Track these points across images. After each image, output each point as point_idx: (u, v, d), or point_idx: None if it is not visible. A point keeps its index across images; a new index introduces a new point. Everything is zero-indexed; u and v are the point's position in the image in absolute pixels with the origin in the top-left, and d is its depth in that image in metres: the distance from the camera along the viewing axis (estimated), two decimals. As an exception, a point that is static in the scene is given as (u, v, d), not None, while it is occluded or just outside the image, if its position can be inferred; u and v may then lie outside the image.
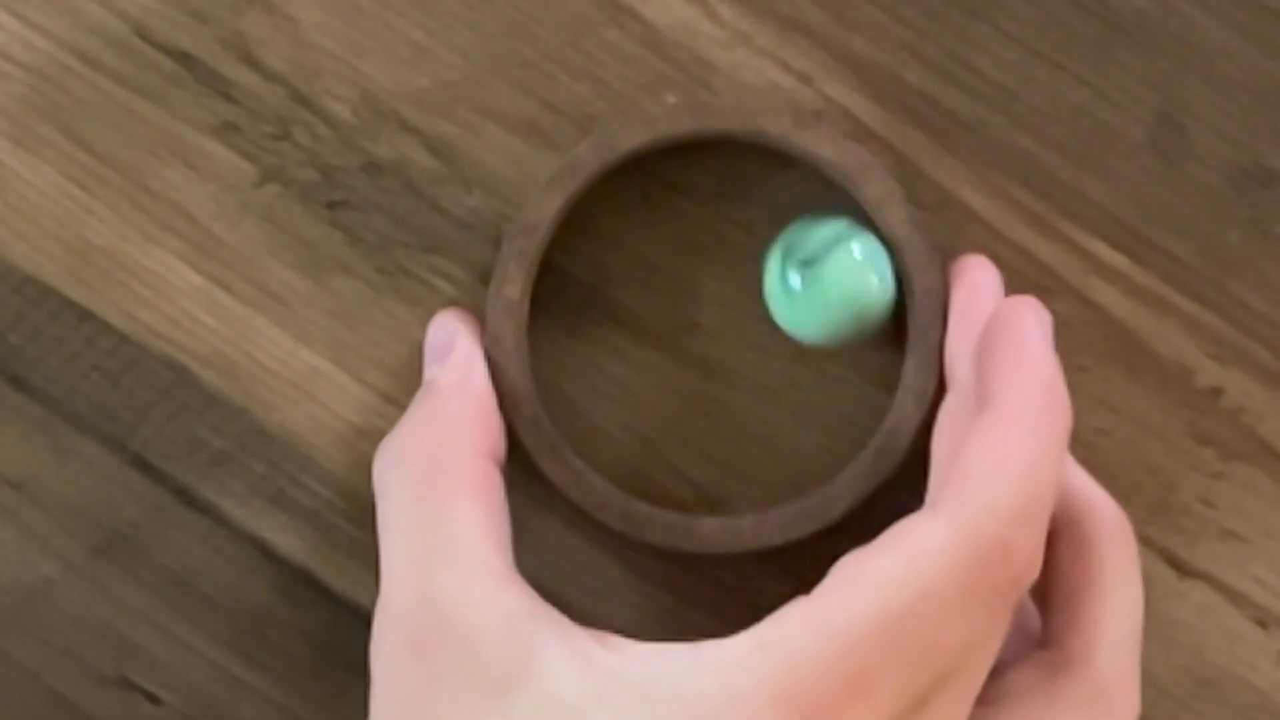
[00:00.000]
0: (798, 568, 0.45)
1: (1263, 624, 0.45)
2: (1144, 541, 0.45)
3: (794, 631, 0.37)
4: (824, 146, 0.43)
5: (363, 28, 0.45)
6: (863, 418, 0.45)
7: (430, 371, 0.43)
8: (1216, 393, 0.45)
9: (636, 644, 0.39)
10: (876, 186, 0.43)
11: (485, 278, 0.45)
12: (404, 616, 0.39)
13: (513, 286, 0.43)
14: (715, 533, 0.43)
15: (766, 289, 0.43)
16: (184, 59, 0.45)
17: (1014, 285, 0.45)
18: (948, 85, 0.45)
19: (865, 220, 0.44)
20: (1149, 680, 0.45)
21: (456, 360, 0.43)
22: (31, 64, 0.45)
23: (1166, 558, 0.45)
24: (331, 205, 0.45)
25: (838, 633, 0.37)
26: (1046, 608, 0.42)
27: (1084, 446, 0.45)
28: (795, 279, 0.42)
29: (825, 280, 0.42)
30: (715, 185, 0.45)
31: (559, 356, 0.45)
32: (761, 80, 0.45)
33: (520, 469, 0.45)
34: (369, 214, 0.45)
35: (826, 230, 0.43)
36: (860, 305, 0.42)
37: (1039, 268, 0.45)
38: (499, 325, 0.43)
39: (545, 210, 0.43)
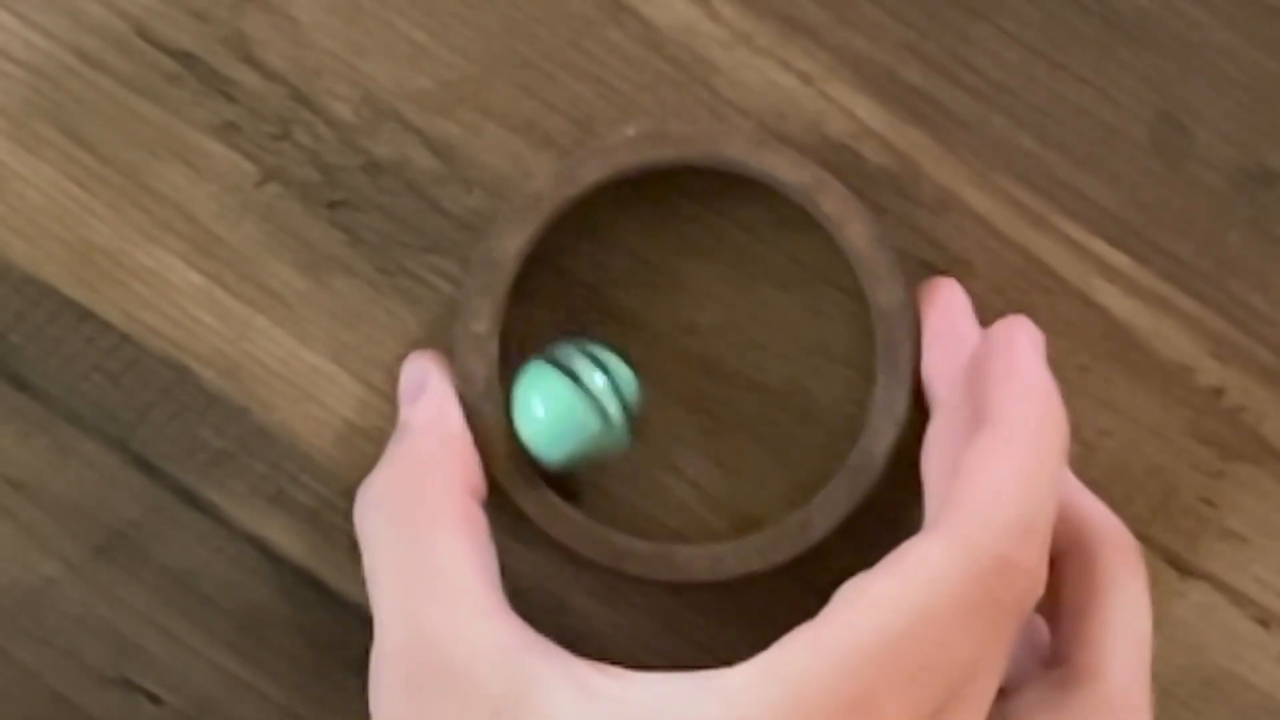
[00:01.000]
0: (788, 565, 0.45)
1: (1264, 623, 0.45)
2: (1145, 541, 0.45)
3: (798, 656, 0.37)
4: (781, 169, 0.43)
5: (363, 27, 0.45)
6: (863, 417, 0.45)
7: (405, 412, 0.43)
8: (1217, 392, 0.45)
9: (637, 673, 0.39)
10: (836, 205, 0.43)
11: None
12: (398, 656, 0.39)
13: (480, 323, 0.43)
14: (695, 561, 0.43)
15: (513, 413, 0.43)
16: (185, 58, 0.45)
17: (1014, 285, 0.45)
18: (948, 84, 0.45)
19: (830, 237, 0.44)
20: (1150, 680, 0.45)
21: (429, 399, 0.43)
22: (32, 63, 0.45)
23: (1167, 557, 0.45)
24: (332, 205, 0.45)
25: (842, 654, 0.37)
26: (1054, 625, 0.42)
27: (1085, 447, 0.45)
28: (536, 406, 0.43)
29: (524, 384, 0.43)
30: (716, 185, 0.45)
31: (559, 356, 0.45)
32: (762, 80, 0.45)
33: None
34: (369, 214, 0.45)
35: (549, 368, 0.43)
36: (574, 436, 0.43)
37: (1040, 267, 0.45)
38: (468, 362, 0.43)
39: (509, 246, 0.43)
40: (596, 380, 0.42)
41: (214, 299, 0.45)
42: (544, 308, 0.45)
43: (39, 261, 0.45)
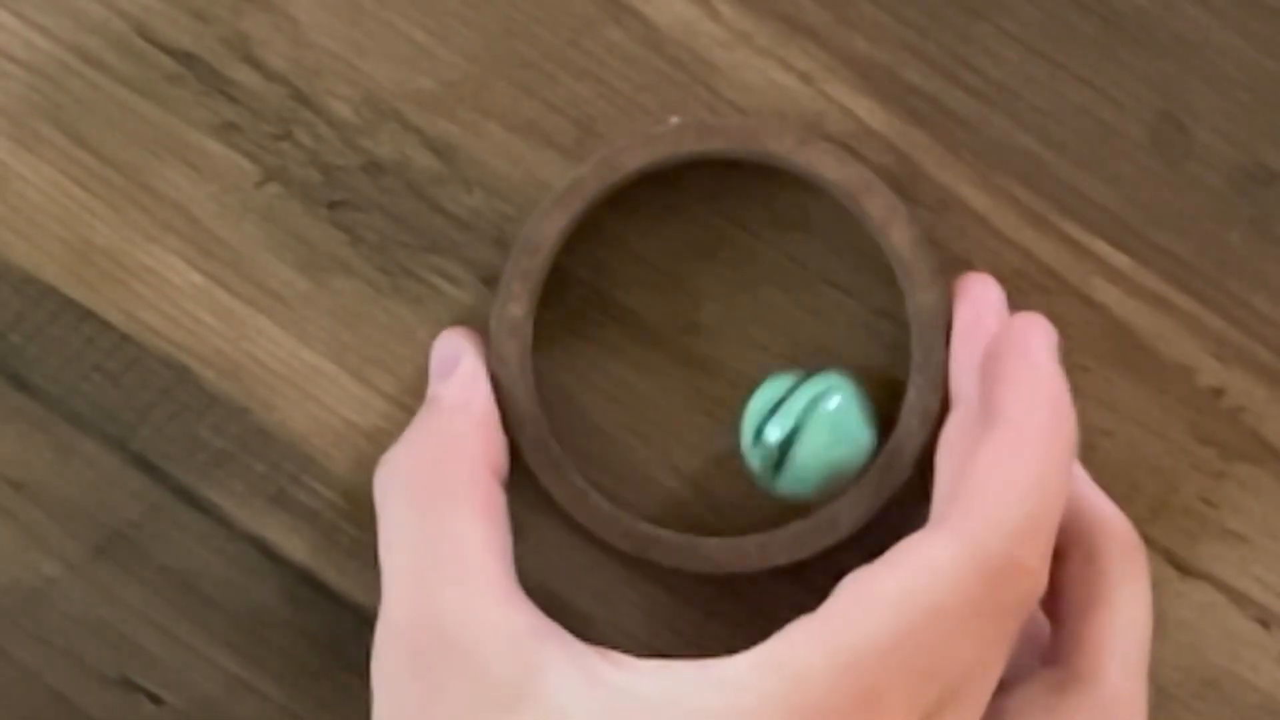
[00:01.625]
0: (793, 567, 0.45)
1: (1264, 624, 0.45)
2: (1145, 541, 0.45)
3: (802, 648, 0.37)
4: (827, 166, 0.43)
5: (364, 27, 0.45)
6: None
7: (434, 388, 0.43)
8: (1218, 392, 0.45)
9: (643, 661, 0.39)
10: (880, 206, 0.43)
11: (486, 277, 0.45)
12: (406, 633, 0.39)
13: (517, 305, 0.43)
14: (720, 553, 0.43)
15: (745, 450, 0.43)
16: (185, 58, 0.45)
17: (1015, 285, 0.45)
18: (949, 85, 0.45)
19: (870, 237, 0.44)
20: (1150, 680, 0.45)
21: (460, 377, 0.43)
22: (32, 63, 0.45)
23: (1168, 557, 0.45)
24: (332, 205, 0.45)
25: (846, 649, 0.37)
26: (1054, 624, 0.42)
27: (1085, 447, 0.45)
28: (774, 442, 0.43)
29: (807, 445, 0.43)
30: (717, 185, 0.45)
31: (559, 356, 0.45)
32: (762, 80, 0.45)
33: (521, 472, 0.45)
34: (370, 214, 0.45)
35: (802, 391, 0.43)
36: (843, 463, 0.43)
37: (1040, 268, 0.45)
38: (503, 344, 0.43)
39: (549, 230, 0.43)
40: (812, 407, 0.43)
41: (214, 299, 0.45)
42: (544, 307, 0.45)
43: (39, 261, 0.45)
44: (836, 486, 0.43)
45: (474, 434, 0.42)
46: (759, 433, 0.43)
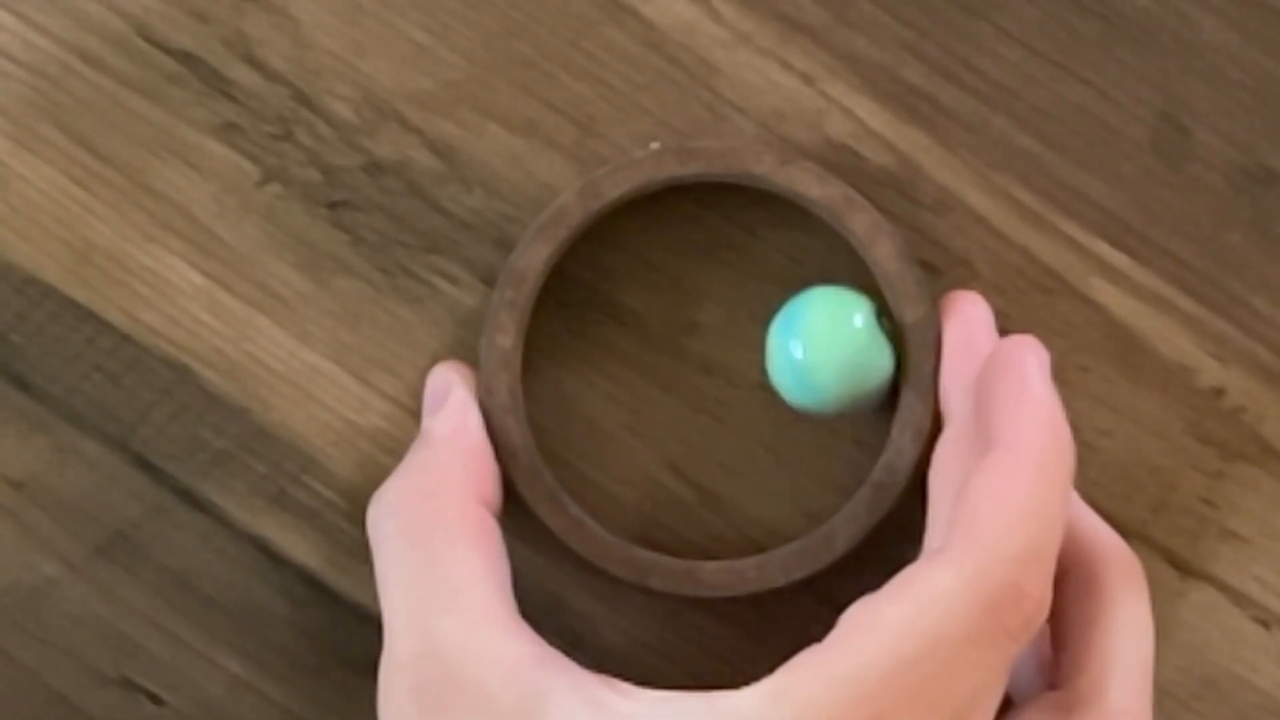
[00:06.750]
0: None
1: (1264, 624, 0.45)
2: (1145, 541, 0.45)
3: (808, 680, 0.37)
4: (809, 185, 0.43)
5: (364, 27, 0.45)
6: (863, 416, 0.45)
7: (426, 422, 0.43)
8: (1218, 392, 0.45)
9: (648, 691, 0.39)
10: (863, 222, 0.43)
11: (486, 277, 0.45)
12: (409, 667, 0.39)
13: (505, 336, 0.43)
14: (718, 576, 0.44)
15: (769, 360, 0.43)
16: (185, 58, 0.45)
17: (1015, 285, 0.45)
18: (949, 85, 0.45)
19: (854, 256, 0.44)
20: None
21: (450, 409, 0.43)
22: (32, 63, 0.45)
23: (1168, 558, 0.45)
24: (333, 205, 0.45)
25: (852, 680, 0.37)
26: (1056, 647, 0.41)
27: (1086, 447, 0.45)
28: (798, 349, 0.42)
29: (826, 350, 0.43)
30: (718, 185, 0.45)
31: (559, 356, 0.45)
32: (763, 80, 0.45)
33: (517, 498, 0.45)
34: (370, 214, 0.45)
35: (829, 301, 0.43)
36: (863, 373, 0.43)
37: (1040, 268, 0.45)
38: (493, 375, 0.43)
39: (534, 259, 0.43)
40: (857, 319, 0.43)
41: (215, 299, 0.45)
42: (544, 307, 0.45)
43: (40, 262, 0.45)
44: (856, 397, 0.43)
45: (464, 465, 0.42)
46: (787, 330, 0.43)
